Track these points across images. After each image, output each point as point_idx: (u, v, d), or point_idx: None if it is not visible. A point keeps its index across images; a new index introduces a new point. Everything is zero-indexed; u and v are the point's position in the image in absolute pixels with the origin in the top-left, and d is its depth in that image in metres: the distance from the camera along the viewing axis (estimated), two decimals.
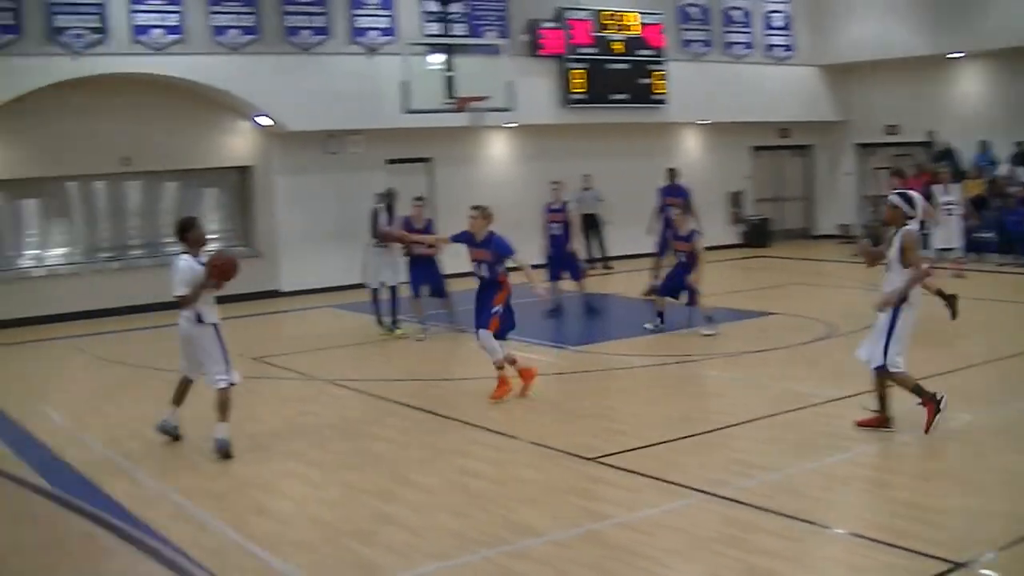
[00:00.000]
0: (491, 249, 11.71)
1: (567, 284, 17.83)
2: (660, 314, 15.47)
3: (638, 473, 8.74)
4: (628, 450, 9.48)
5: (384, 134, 22.09)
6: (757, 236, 27.89)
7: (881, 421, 9.70)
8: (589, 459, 9.23)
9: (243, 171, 21.79)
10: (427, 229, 15.83)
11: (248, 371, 14.02)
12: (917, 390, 9.52)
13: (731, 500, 7.91)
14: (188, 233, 9.98)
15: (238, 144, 21.41)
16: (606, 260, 24.39)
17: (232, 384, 9.94)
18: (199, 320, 9.88)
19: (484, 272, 11.80)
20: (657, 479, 8.54)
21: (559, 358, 14.21)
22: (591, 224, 24.16)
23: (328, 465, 9.58)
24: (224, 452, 9.74)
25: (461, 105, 20.44)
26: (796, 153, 30.14)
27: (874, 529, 7.12)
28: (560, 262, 17.50)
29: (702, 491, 8.17)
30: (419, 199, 16.36)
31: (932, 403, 9.44)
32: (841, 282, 20.52)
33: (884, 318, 9.46)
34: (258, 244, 21.67)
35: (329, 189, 21.53)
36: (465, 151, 23.94)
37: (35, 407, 12.43)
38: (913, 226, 9.42)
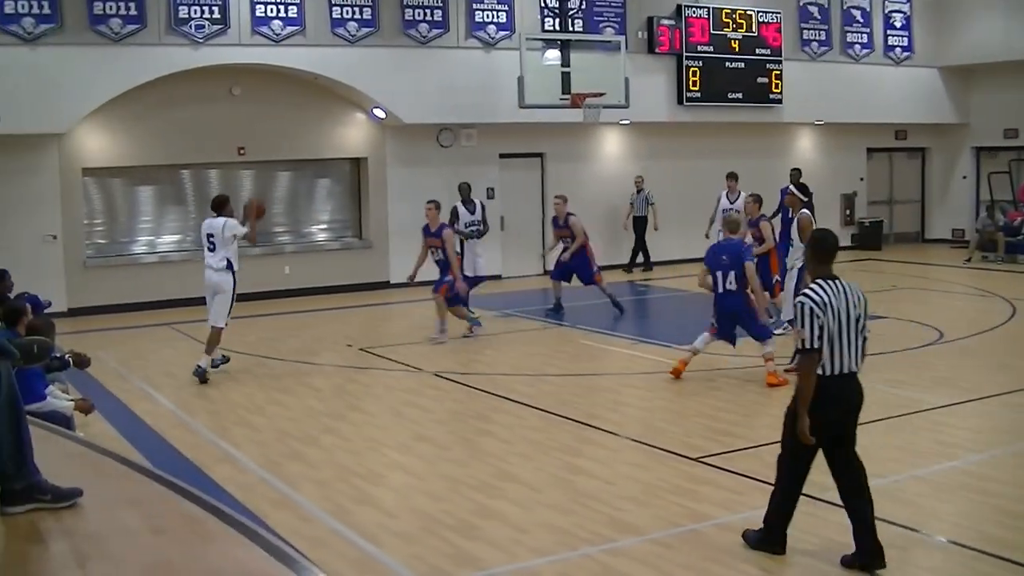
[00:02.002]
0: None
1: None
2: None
3: (741, 474, 8.69)
4: (733, 451, 9.43)
5: (498, 129, 22.16)
6: (869, 239, 27.38)
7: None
8: (693, 459, 9.19)
9: (356, 163, 22.02)
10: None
11: (355, 361, 14.27)
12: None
13: (835, 505, 7.79)
14: (225, 207, 12.96)
15: (352, 136, 21.62)
16: (648, 264, 23.97)
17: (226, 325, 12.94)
18: (229, 267, 12.81)
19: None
20: (760, 481, 8.45)
21: (667, 357, 14.09)
22: (639, 227, 23.77)
23: (432, 458, 9.64)
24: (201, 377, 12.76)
25: (576, 101, 20.38)
26: (912, 155, 29.54)
27: (975, 538, 6.97)
28: (567, 269, 17.67)
29: (807, 495, 8.05)
30: (431, 201, 15.70)
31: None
32: (952, 287, 20.09)
33: (792, 283, 12.17)
34: (369, 235, 21.88)
35: (441, 182, 21.55)
36: (577, 148, 23.88)
37: (142, 391, 12.71)
38: (807, 211, 12.31)
